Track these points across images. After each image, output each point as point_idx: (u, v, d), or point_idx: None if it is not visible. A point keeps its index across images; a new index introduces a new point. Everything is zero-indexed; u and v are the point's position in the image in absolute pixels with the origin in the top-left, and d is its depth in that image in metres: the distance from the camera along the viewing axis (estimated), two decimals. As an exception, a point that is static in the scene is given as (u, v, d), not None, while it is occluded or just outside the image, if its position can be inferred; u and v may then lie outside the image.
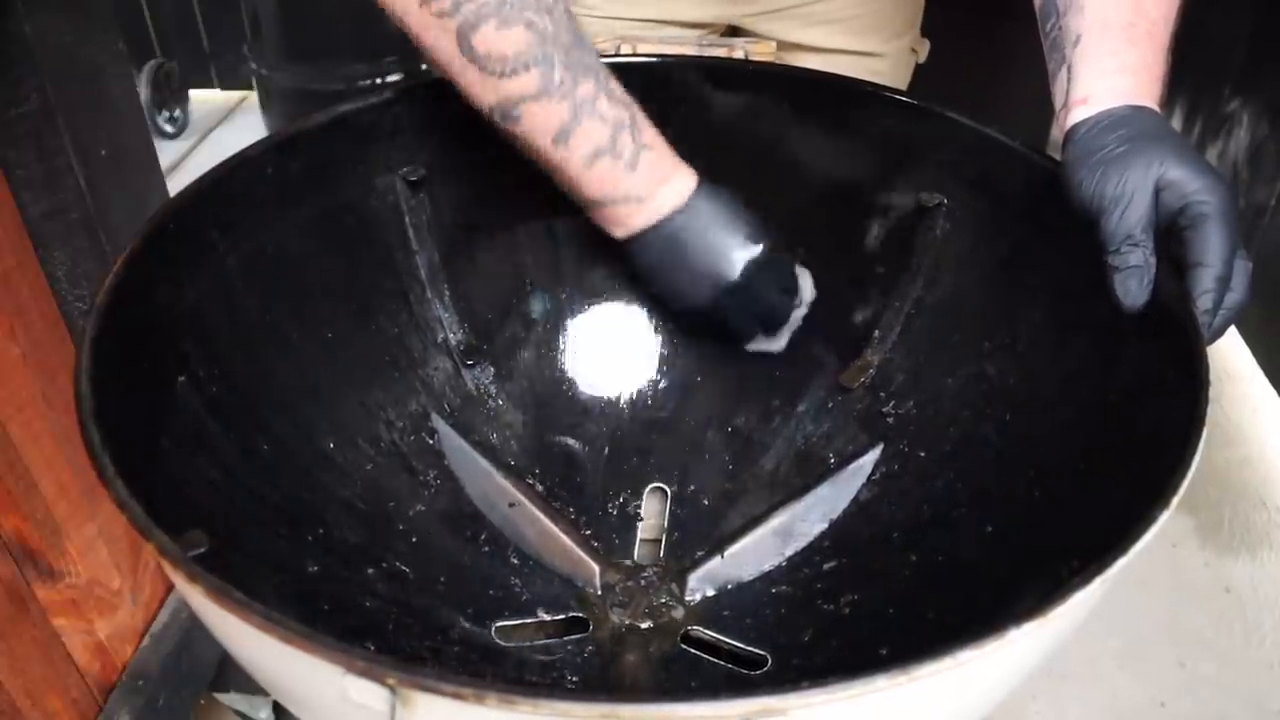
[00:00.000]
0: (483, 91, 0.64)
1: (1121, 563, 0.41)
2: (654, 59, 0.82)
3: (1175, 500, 0.44)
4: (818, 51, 1.04)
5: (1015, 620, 0.38)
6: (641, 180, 0.67)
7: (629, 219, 0.69)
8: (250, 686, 1.10)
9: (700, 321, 0.76)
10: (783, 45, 1.04)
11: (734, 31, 1.07)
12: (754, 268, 0.70)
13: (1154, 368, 0.58)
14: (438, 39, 0.62)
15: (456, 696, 0.33)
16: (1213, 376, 0.52)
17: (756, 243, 0.70)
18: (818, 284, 0.81)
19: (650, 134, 0.68)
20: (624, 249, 0.72)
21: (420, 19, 0.62)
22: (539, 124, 0.64)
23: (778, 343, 0.77)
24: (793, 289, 0.75)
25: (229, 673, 1.11)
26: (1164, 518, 0.43)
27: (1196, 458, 0.47)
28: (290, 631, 0.36)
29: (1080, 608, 0.40)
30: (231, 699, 1.10)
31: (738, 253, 0.70)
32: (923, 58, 1.10)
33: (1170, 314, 0.56)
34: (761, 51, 0.90)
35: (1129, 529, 0.43)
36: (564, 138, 0.65)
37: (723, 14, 1.02)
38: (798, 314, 0.76)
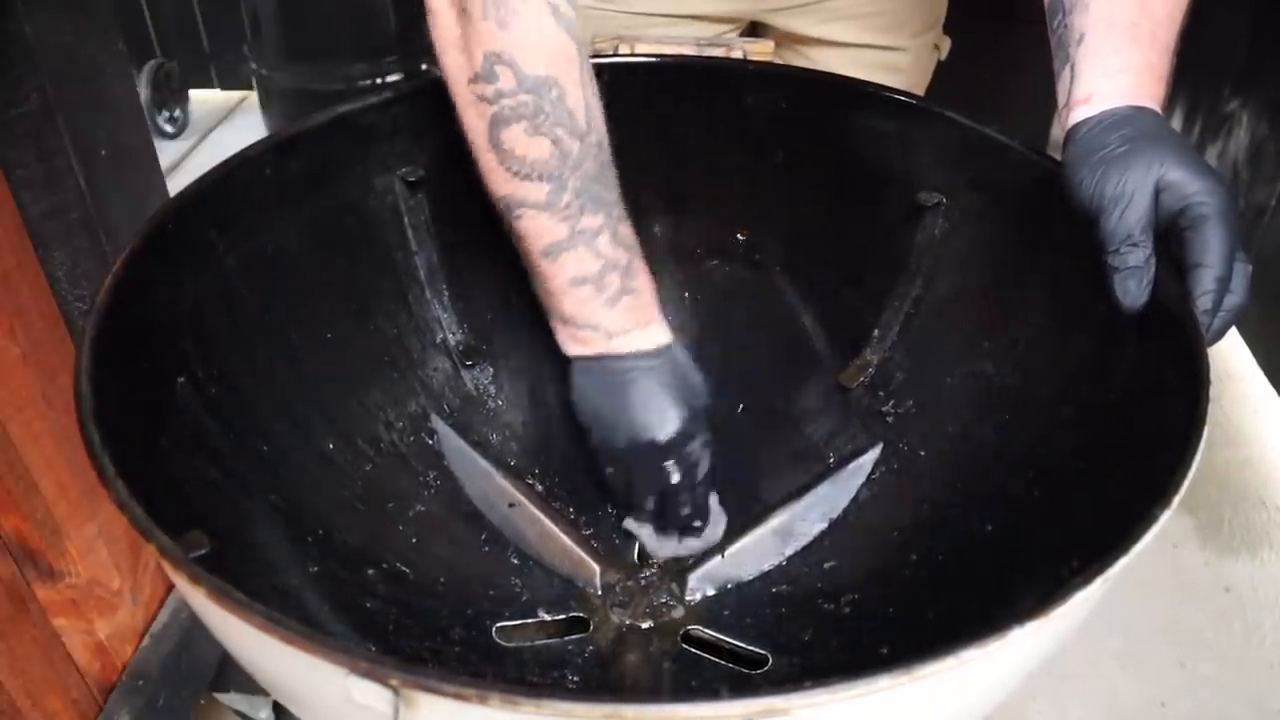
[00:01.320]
0: (497, 181, 0.65)
1: (1123, 562, 0.41)
2: (652, 59, 0.82)
3: (1176, 500, 0.44)
4: (838, 46, 1.04)
5: (1017, 620, 0.38)
6: (615, 318, 0.67)
7: (587, 344, 0.69)
8: (250, 686, 1.10)
9: (607, 467, 0.73)
10: (804, 40, 1.04)
11: (754, 27, 1.06)
12: (683, 440, 0.69)
13: (1154, 368, 0.58)
14: (473, 120, 0.63)
15: (459, 697, 0.33)
16: (1213, 376, 0.52)
17: (697, 419, 0.70)
18: (817, 283, 0.81)
19: (642, 281, 0.68)
20: (569, 366, 0.71)
21: (465, 95, 0.63)
22: (535, 232, 0.65)
23: (659, 546, 0.74)
24: (702, 482, 0.72)
25: (229, 673, 1.11)
26: (1165, 517, 0.43)
27: (1197, 458, 0.47)
28: (293, 632, 0.36)
29: (1082, 607, 0.40)
30: (231, 699, 1.09)
31: (676, 416, 0.68)
32: (944, 55, 1.10)
33: (1170, 314, 0.56)
34: (760, 51, 0.90)
35: (1130, 529, 0.43)
36: (554, 254, 0.65)
37: (743, 9, 1.02)
38: (693, 543, 0.73)
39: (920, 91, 1.08)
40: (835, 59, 1.03)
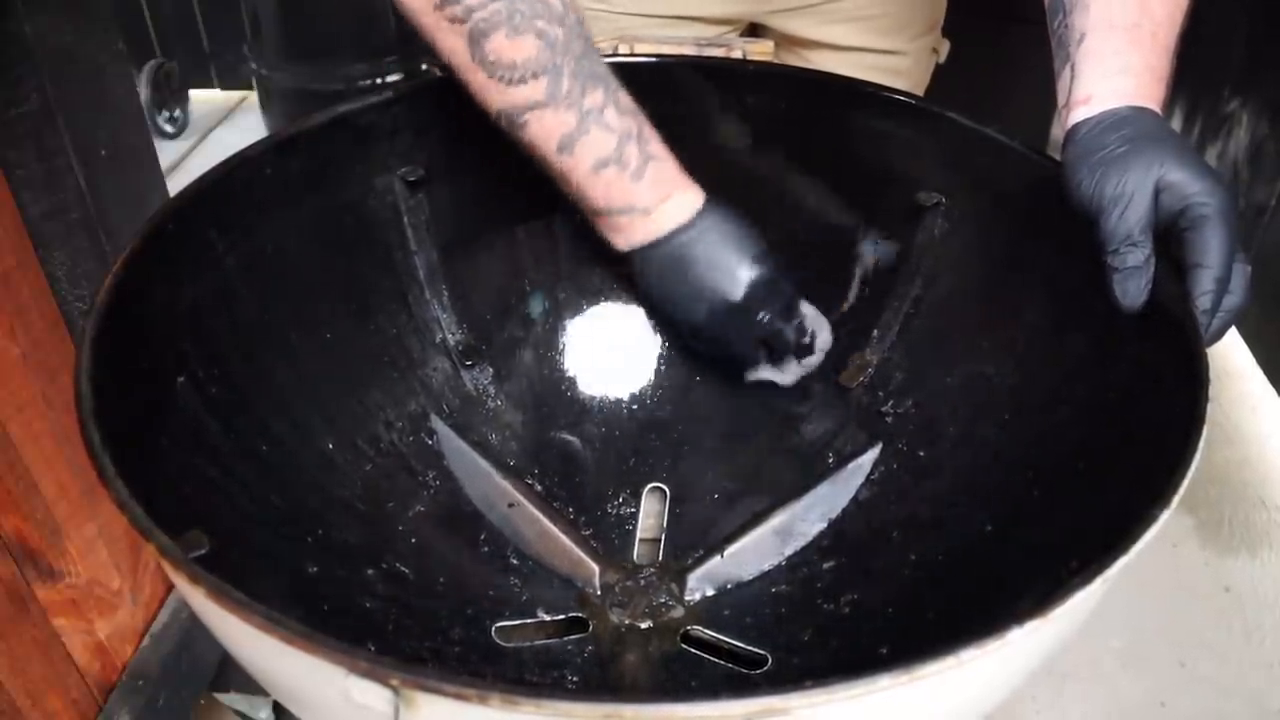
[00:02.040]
0: (491, 96, 0.64)
1: (1123, 562, 0.41)
2: (652, 59, 0.82)
3: (1176, 499, 0.44)
4: (838, 49, 1.03)
5: (1017, 620, 0.38)
6: (646, 191, 0.67)
7: (631, 230, 0.69)
8: (250, 686, 1.10)
9: (701, 344, 0.75)
10: (803, 43, 1.03)
11: (754, 29, 1.06)
12: (758, 289, 0.70)
13: (1153, 367, 0.58)
14: (450, 42, 0.63)
15: (459, 697, 0.33)
16: (1212, 375, 0.52)
17: (761, 265, 0.70)
18: (817, 284, 0.81)
19: (657, 146, 0.68)
20: (626, 260, 0.71)
21: (434, 21, 0.62)
22: (544, 132, 0.64)
23: (784, 375, 0.76)
24: (794, 312, 0.73)
25: (229, 673, 1.11)
26: (1165, 517, 0.43)
27: (1197, 456, 0.47)
28: (292, 632, 0.36)
29: (1082, 607, 0.40)
30: (231, 699, 1.09)
31: (742, 272, 0.69)
32: (943, 58, 1.09)
33: (1169, 314, 0.56)
34: (760, 51, 0.90)
35: (1129, 528, 0.43)
36: (569, 146, 0.65)
37: (742, 10, 1.02)
38: (812, 360, 0.75)
39: (919, 94, 1.08)
40: (834, 62, 1.03)
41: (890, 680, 0.35)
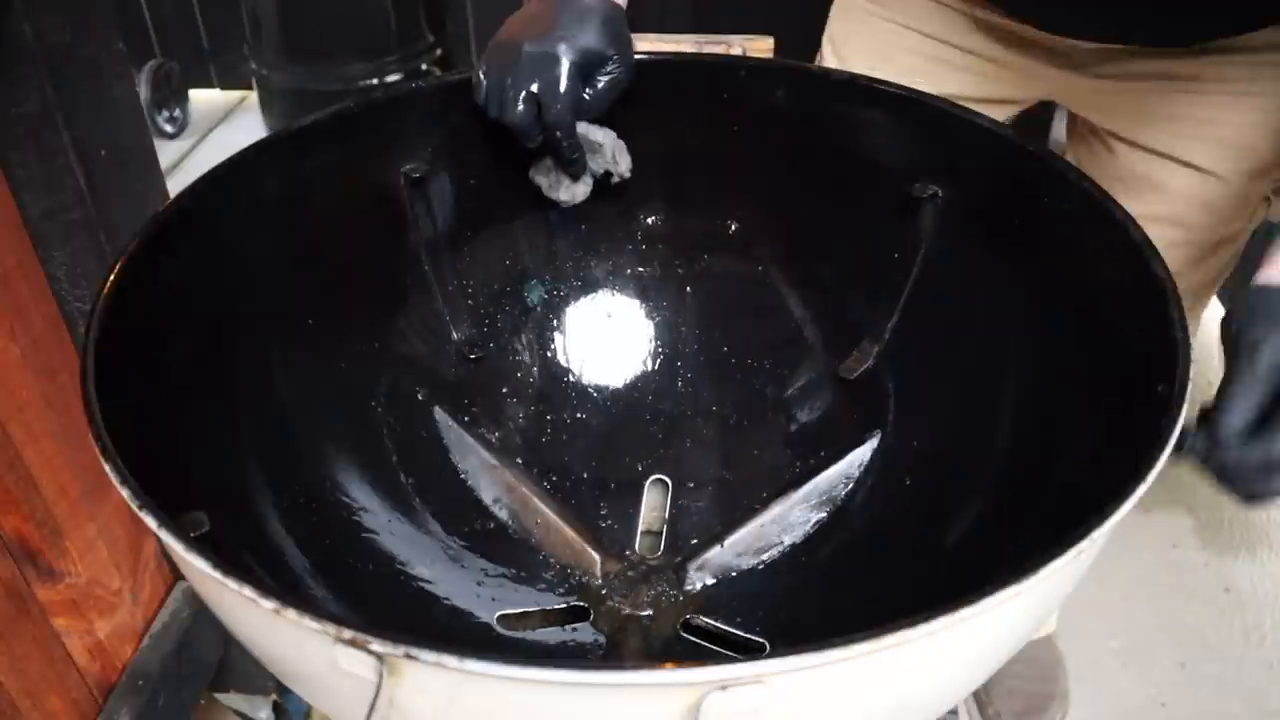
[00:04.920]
0: None
1: (1114, 519, 0.41)
2: (649, 56, 0.82)
3: (1166, 452, 0.45)
4: (1139, 149, 0.86)
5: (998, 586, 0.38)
6: None
7: None
8: (250, 686, 1.11)
9: None
10: (1102, 134, 0.90)
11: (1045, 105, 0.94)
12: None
13: (1142, 350, 0.58)
14: None
15: (439, 665, 0.34)
16: (1212, 377, 0.52)
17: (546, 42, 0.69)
18: (814, 276, 0.82)
19: None
20: None
21: None
22: None
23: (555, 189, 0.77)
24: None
25: (229, 673, 1.11)
26: (1153, 475, 0.44)
27: (1177, 428, 0.47)
28: (283, 603, 0.36)
29: (1058, 574, 0.40)
30: (231, 699, 1.10)
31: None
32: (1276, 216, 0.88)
33: (1154, 294, 0.56)
34: (759, 48, 0.91)
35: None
36: None
37: (1046, 92, 0.89)
38: (577, 189, 0.76)
39: (1204, 254, 0.88)
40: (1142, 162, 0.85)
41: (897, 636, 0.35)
